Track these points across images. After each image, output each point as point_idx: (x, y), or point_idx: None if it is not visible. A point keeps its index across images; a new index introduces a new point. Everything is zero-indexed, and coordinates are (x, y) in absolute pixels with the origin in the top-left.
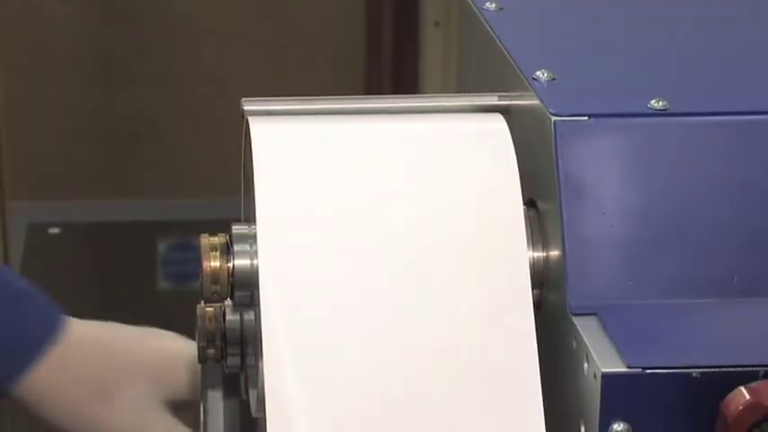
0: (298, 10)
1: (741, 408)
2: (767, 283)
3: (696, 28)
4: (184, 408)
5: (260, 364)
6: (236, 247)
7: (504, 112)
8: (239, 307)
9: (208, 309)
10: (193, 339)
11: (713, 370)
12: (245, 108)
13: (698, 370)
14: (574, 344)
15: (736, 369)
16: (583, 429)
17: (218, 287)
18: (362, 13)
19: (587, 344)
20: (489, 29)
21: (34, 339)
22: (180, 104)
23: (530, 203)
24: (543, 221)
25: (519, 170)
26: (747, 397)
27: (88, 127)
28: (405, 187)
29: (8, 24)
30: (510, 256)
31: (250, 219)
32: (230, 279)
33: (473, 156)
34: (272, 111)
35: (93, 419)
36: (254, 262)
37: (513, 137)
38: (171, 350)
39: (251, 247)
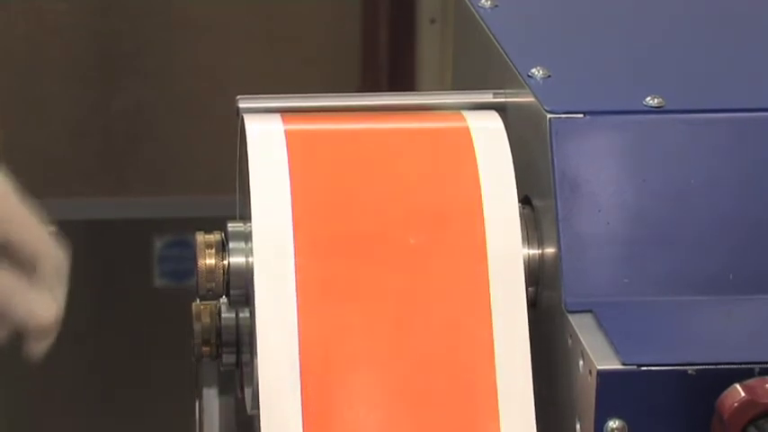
0: (294, 7)
1: (736, 405)
2: (763, 281)
3: (691, 25)
4: None
5: (255, 362)
6: (232, 245)
7: (500, 109)
8: (234, 305)
9: (203, 306)
10: (191, 337)
11: (709, 367)
12: (240, 105)
13: (693, 367)
14: (569, 341)
15: (732, 366)
16: (579, 427)
17: (213, 285)
18: (359, 10)
19: (582, 341)
20: (485, 26)
21: None
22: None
23: (525, 201)
24: (538, 219)
25: (514, 167)
26: (743, 394)
27: (84, 124)
28: (399, 184)
29: (5, 21)
30: (505, 253)
31: (245, 216)
32: (225, 276)
33: (468, 153)
34: (267, 108)
35: None
36: (249, 260)
37: (508, 134)
38: None
39: (246, 244)
